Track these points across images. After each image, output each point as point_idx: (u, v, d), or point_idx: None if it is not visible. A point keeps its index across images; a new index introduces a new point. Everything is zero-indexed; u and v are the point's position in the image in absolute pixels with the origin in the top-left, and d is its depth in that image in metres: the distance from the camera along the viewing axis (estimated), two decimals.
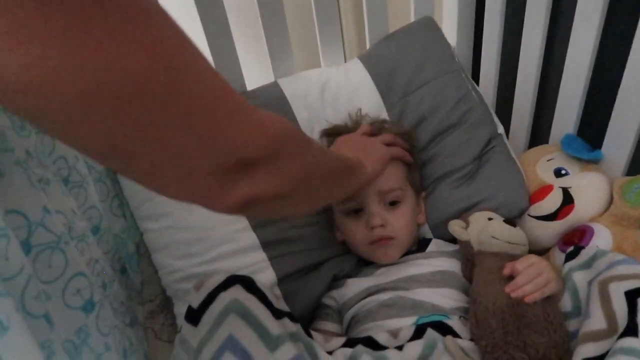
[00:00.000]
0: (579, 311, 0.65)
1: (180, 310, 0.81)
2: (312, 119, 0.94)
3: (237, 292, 0.56)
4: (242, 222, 0.82)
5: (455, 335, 0.67)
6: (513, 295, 0.64)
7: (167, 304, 0.90)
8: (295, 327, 0.60)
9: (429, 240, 0.89)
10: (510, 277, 0.67)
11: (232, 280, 0.58)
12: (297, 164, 0.44)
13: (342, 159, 0.62)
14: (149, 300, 0.91)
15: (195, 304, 0.57)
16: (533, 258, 0.68)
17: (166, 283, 0.83)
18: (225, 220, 0.82)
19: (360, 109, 0.92)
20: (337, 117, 0.93)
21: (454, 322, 0.69)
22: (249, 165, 0.38)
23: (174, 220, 0.81)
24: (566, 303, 0.67)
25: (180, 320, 0.80)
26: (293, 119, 0.93)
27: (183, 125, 0.34)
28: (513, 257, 0.71)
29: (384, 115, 0.95)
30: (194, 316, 0.57)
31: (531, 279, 0.65)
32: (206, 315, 0.56)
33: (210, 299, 0.56)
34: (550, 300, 0.65)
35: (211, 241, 0.81)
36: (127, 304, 0.79)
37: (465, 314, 0.73)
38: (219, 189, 0.37)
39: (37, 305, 0.46)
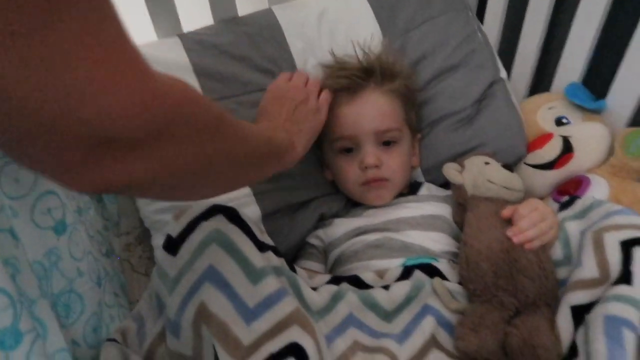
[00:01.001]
0: (569, 260, 0.64)
1: (158, 242, 0.78)
2: (306, 50, 0.88)
3: (219, 222, 0.53)
4: None
5: (443, 277, 0.66)
6: (515, 240, 0.62)
7: (145, 236, 0.87)
8: (279, 262, 0.57)
9: (421, 183, 0.86)
10: (508, 222, 0.65)
11: (215, 210, 0.54)
12: (194, 148, 0.36)
13: (267, 143, 0.55)
14: (126, 233, 0.89)
15: (175, 233, 0.54)
16: (537, 203, 0.66)
17: (144, 214, 0.79)
18: None
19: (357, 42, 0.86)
20: (333, 49, 0.88)
21: (443, 265, 0.68)
22: (118, 144, 0.30)
23: None
24: (557, 251, 0.66)
25: (159, 253, 0.78)
26: (286, 49, 0.87)
27: (43, 70, 0.26)
28: (508, 203, 0.69)
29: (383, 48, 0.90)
30: (172, 245, 0.54)
31: (535, 224, 0.63)
32: (186, 244, 0.53)
33: (191, 229, 0.53)
34: (544, 247, 0.63)
35: None
36: (104, 233, 0.76)
37: (454, 258, 0.72)
38: (80, 168, 0.30)
39: (1, 218, 0.43)
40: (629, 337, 0.49)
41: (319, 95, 0.77)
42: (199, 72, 0.82)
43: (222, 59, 0.84)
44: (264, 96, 0.76)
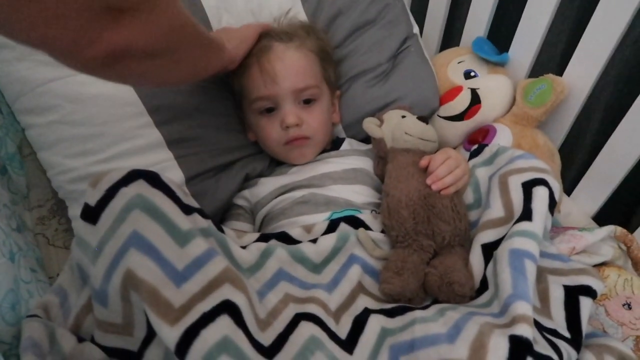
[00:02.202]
0: (479, 203, 0.70)
1: (75, 213, 0.74)
2: (220, 7, 0.85)
3: (140, 187, 0.51)
4: (144, 118, 0.75)
5: (367, 228, 0.69)
6: (434, 187, 0.66)
7: (59, 208, 0.82)
8: (206, 223, 0.57)
9: (343, 139, 0.88)
10: (425, 171, 0.69)
11: (135, 174, 0.52)
12: (170, 18, 0.43)
13: (205, 31, 0.58)
14: (38, 206, 0.83)
15: (93, 201, 0.51)
16: (450, 151, 0.70)
17: (57, 184, 0.74)
18: (123, 115, 0.73)
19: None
20: (248, 7, 0.85)
21: (366, 216, 0.71)
22: (119, 11, 0.36)
23: (62, 114, 0.71)
24: (468, 195, 0.71)
25: (77, 224, 0.74)
26: (198, 5, 0.83)
27: None
28: (424, 154, 0.73)
29: (299, 7, 0.89)
30: (91, 214, 0.51)
31: (450, 171, 0.67)
32: (106, 212, 0.50)
33: (110, 195, 0.51)
34: (457, 192, 0.68)
35: (108, 138, 0.73)
36: (12, 208, 0.71)
37: (376, 208, 0.75)
38: (85, 34, 0.35)
39: None
40: (529, 266, 0.55)
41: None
42: None
43: None
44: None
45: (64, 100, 0.71)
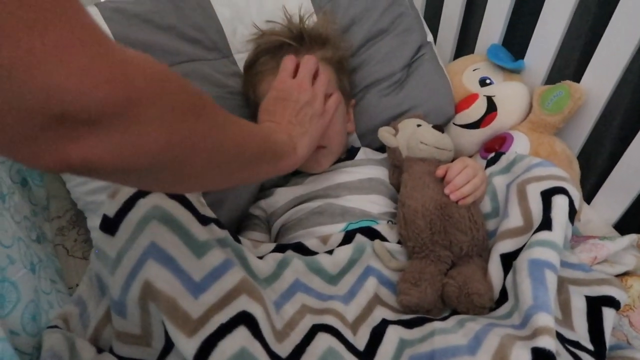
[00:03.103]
0: (497, 212, 0.69)
1: (94, 224, 0.75)
2: (234, 18, 0.86)
3: (157, 198, 0.52)
4: None
5: (383, 239, 0.69)
6: (453, 197, 0.65)
7: (78, 219, 0.83)
8: (222, 233, 0.57)
9: (358, 148, 0.88)
10: (441, 180, 0.68)
11: None
12: (164, 133, 0.32)
13: (265, 140, 0.51)
14: (57, 217, 0.84)
15: (111, 212, 0.52)
16: (467, 160, 0.69)
17: (77, 196, 0.75)
18: None
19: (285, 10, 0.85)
20: (262, 17, 0.86)
21: (382, 227, 0.70)
22: (80, 122, 0.28)
23: None
24: (486, 205, 0.70)
25: (96, 234, 0.75)
26: (213, 17, 0.84)
27: None
28: (440, 163, 0.72)
29: (312, 17, 0.89)
30: (110, 225, 0.52)
31: (469, 179, 0.67)
32: (124, 223, 0.51)
33: (129, 206, 0.51)
34: (474, 202, 0.67)
35: None
36: (32, 219, 0.72)
37: (392, 218, 0.75)
38: (35, 146, 0.28)
39: None
40: (550, 276, 0.54)
41: (326, 98, 0.71)
42: (121, 43, 0.77)
43: (145, 28, 0.79)
44: (268, 95, 0.69)
45: None
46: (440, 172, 0.68)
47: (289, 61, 0.71)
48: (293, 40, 0.79)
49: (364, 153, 0.87)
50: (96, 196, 0.73)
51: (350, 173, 0.80)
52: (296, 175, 0.85)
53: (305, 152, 0.62)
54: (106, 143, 0.29)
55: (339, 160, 0.84)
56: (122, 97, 0.29)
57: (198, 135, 0.36)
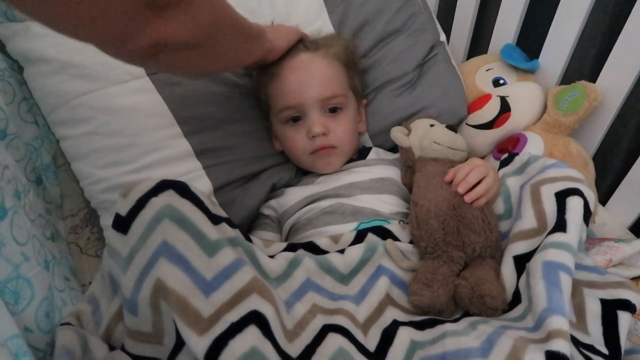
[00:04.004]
0: (510, 213, 0.68)
1: (107, 222, 0.75)
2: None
3: (170, 198, 0.52)
4: (174, 129, 0.76)
5: (395, 238, 0.68)
6: (467, 198, 0.64)
7: (91, 217, 0.84)
8: (234, 233, 0.57)
9: (370, 148, 0.88)
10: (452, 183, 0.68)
11: (164, 185, 0.53)
12: (209, 11, 0.47)
13: (246, 20, 0.61)
14: (71, 215, 0.85)
15: (124, 211, 0.52)
16: (477, 160, 0.69)
17: (90, 194, 0.76)
18: (153, 126, 0.75)
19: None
20: (274, 18, 0.86)
21: (394, 227, 0.70)
22: (160, 6, 0.40)
23: (95, 125, 0.73)
24: (499, 206, 0.69)
25: (109, 233, 0.75)
26: None
27: None
28: (453, 163, 0.72)
29: (325, 17, 0.89)
30: (122, 224, 0.52)
31: (481, 177, 0.66)
32: (136, 222, 0.51)
33: (141, 205, 0.52)
34: (487, 202, 0.66)
35: (139, 148, 0.74)
36: (46, 217, 0.73)
37: (404, 218, 0.74)
38: (129, 29, 0.39)
39: None
40: (565, 279, 0.53)
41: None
42: None
43: None
44: None
45: (97, 112, 0.73)
46: (449, 176, 0.67)
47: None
48: (304, 43, 0.80)
49: (375, 153, 0.86)
50: (109, 195, 0.74)
51: (362, 173, 0.80)
52: (307, 175, 0.85)
53: (274, 42, 0.73)
54: (178, 20, 0.42)
55: (351, 160, 0.84)
56: None
57: (224, 11, 0.52)
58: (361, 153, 0.87)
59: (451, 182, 0.67)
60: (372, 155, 0.86)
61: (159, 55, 0.43)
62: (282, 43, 0.76)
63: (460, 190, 0.65)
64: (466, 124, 0.89)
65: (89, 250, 0.81)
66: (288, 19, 0.87)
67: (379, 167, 0.81)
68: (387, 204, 0.75)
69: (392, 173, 0.80)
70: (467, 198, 0.64)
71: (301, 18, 0.87)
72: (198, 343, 0.46)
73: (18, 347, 0.45)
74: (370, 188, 0.77)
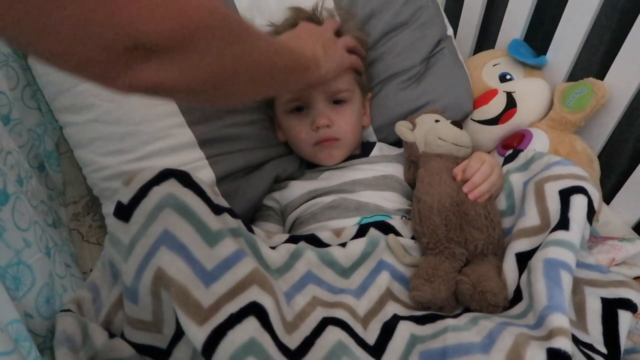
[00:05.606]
0: (513, 210, 0.68)
1: (109, 210, 0.75)
2: (252, 8, 0.85)
3: (172, 186, 0.52)
4: (177, 118, 0.76)
5: (397, 233, 0.68)
6: (471, 196, 0.64)
7: (94, 205, 0.84)
8: (235, 223, 0.57)
9: (373, 144, 0.87)
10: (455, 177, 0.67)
11: (166, 174, 0.53)
12: (216, 57, 0.40)
13: (292, 54, 0.57)
14: (73, 202, 0.85)
15: (126, 199, 0.52)
16: (484, 156, 0.68)
17: (92, 182, 0.76)
18: (157, 114, 0.75)
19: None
20: (280, 6, 0.85)
21: (396, 222, 0.70)
22: (149, 50, 0.34)
23: (98, 113, 0.73)
24: (501, 202, 0.69)
25: (110, 221, 0.75)
26: (232, 6, 0.84)
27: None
28: (457, 159, 0.71)
29: (331, 9, 0.88)
30: (124, 212, 0.52)
31: (486, 177, 0.66)
32: (138, 210, 0.51)
33: (142, 194, 0.51)
34: (490, 199, 0.66)
35: (142, 137, 0.74)
36: (49, 203, 0.73)
37: (406, 215, 0.74)
38: (112, 71, 0.35)
39: None
40: (565, 277, 0.53)
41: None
42: None
43: None
44: (296, 28, 0.77)
45: (101, 99, 0.73)
46: (458, 176, 0.67)
47: (334, 22, 0.80)
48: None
49: (379, 149, 0.86)
50: (111, 183, 0.74)
51: (365, 170, 0.79)
52: (311, 169, 0.84)
53: (327, 71, 0.69)
54: (170, 68, 0.36)
55: (354, 156, 0.84)
56: (183, 29, 0.35)
57: (241, 56, 0.44)
58: (365, 149, 0.86)
59: (454, 178, 0.67)
60: (375, 151, 0.85)
61: (157, 95, 0.39)
62: (331, 75, 0.72)
63: (465, 189, 0.65)
64: (471, 119, 0.88)
65: (90, 237, 0.81)
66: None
67: (382, 165, 0.81)
68: (389, 201, 0.75)
69: (395, 170, 0.80)
70: (471, 196, 0.64)
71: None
72: (197, 333, 0.46)
73: (18, 332, 0.45)
74: (373, 184, 0.76)
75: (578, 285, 0.57)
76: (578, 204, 0.58)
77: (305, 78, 0.64)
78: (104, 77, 0.35)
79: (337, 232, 0.68)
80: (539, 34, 0.91)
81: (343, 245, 0.65)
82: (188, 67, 0.37)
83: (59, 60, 0.34)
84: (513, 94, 0.85)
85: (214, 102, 0.53)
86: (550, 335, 0.47)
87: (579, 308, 0.56)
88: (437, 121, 0.76)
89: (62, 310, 0.55)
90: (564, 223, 0.58)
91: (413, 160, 0.76)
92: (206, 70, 0.39)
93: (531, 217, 0.62)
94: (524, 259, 0.59)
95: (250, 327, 0.47)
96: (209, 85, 0.42)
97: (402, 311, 0.60)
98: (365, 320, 0.58)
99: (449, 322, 0.54)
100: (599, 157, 0.84)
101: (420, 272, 0.61)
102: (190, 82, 0.39)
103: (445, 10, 1.02)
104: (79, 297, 0.58)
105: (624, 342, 0.53)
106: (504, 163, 0.73)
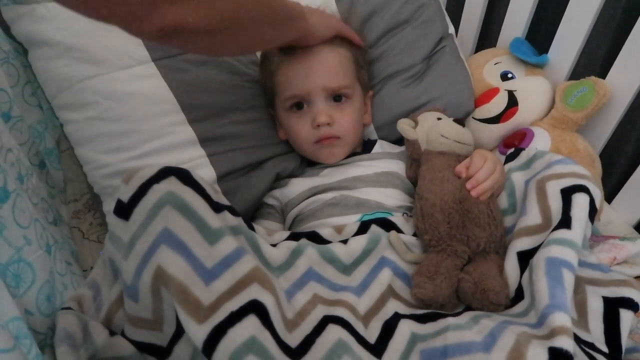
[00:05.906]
0: (514, 208, 0.67)
1: (109, 208, 0.74)
2: None
3: (172, 184, 0.51)
4: (178, 116, 0.76)
5: (399, 230, 0.68)
6: (474, 193, 0.64)
7: (94, 202, 0.84)
8: (236, 221, 0.57)
9: (374, 141, 0.87)
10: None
11: (166, 172, 0.53)
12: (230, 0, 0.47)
13: (283, 4, 0.61)
14: (74, 200, 0.85)
15: (126, 197, 0.52)
16: (487, 153, 0.68)
17: (93, 179, 0.76)
18: (158, 112, 0.75)
19: None
20: None
21: (398, 219, 0.70)
22: None
23: (98, 110, 0.73)
24: (502, 200, 0.69)
25: (111, 218, 0.75)
26: None
27: None
28: (460, 157, 0.71)
29: (332, 7, 0.88)
30: (124, 210, 0.52)
31: (490, 174, 0.66)
32: (138, 208, 0.51)
33: (142, 192, 0.51)
34: (492, 196, 0.66)
35: (143, 134, 0.74)
36: (49, 201, 0.73)
37: (408, 212, 0.74)
38: (140, 11, 0.40)
39: None
40: (567, 276, 0.52)
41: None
42: None
43: None
44: None
45: (101, 97, 0.73)
46: (463, 172, 0.67)
47: None
48: None
49: (380, 146, 0.86)
50: (112, 180, 0.74)
51: (366, 167, 0.79)
52: (312, 166, 0.84)
53: (316, 22, 0.72)
54: (191, 8, 0.43)
55: (355, 153, 0.83)
56: None
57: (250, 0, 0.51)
58: (366, 146, 0.86)
59: (458, 176, 0.67)
60: (376, 148, 0.85)
61: (177, 37, 0.44)
62: (322, 31, 0.74)
63: (469, 186, 0.64)
64: (473, 117, 0.88)
65: (91, 235, 0.81)
66: None
67: (384, 161, 0.81)
68: (391, 198, 0.75)
69: (397, 167, 0.80)
70: (474, 193, 0.64)
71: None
72: (197, 331, 0.46)
73: (19, 330, 0.45)
74: (375, 182, 0.76)
75: (579, 284, 0.57)
76: (580, 202, 0.58)
77: (295, 29, 0.67)
78: (134, 19, 0.41)
79: (339, 229, 0.68)
80: (541, 32, 0.91)
81: (344, 242, 0.65)
82: (206, 7, 0.44)
83: (98, 10, 0.39)
84: (514, 93, 0.85)
85: (222, 49, 0.57)
86: (552, 334, 0.47)
87: (581, 307, 0.56)
88: (439, 119, 0.76)
89: (62, 308, 0.55)
90: (565, 222, 0.57)
91: (415, 157, 0.76)
92: (225, 6, 0.47)
93: (533, 216, 0.62)
94: (525, 258, 0.59)
95: (250, 325, 0.47)
96: (225, 24, 0.48)
97: (403, 309, 0.60)
98: (366, 319, 0.58)
99: (450, 320, 0.54)
100: (601, 156, 0.83)
101: (422, 269, 0.61)
102: (208, 22, 0.46)
103: (446, 9, 1.02)
104: (79, 295, 0.58)
105: (625, 341, 0.53)
106: (506, 162, 0.73)
